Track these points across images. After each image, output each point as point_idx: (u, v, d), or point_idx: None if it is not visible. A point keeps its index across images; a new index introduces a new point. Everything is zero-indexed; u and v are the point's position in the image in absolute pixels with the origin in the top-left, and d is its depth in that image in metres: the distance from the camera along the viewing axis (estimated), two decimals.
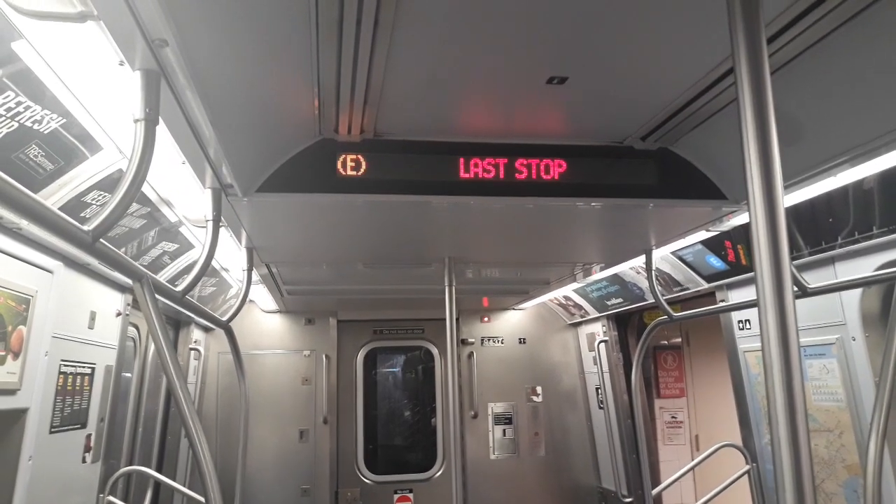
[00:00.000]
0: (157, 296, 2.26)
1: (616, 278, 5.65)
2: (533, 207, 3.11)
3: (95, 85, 2.22)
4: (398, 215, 3.31)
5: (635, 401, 4.98)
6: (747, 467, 4.78)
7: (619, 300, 6.12)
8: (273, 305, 6.94)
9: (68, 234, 1.71)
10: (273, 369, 7.21)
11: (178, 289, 2.75)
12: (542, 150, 2.97)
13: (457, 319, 4.26)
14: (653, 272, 4.20)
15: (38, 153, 2.36)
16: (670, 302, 4.55)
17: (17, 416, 3.00)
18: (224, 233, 3.43)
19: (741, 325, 4.62)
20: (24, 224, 2.64)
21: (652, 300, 5.11)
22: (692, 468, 5.36)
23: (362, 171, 2.87)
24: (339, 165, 2.86)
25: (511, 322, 7.78)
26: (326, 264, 4.73)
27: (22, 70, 2.03)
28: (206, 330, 6.82)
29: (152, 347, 5.09)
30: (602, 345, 6.94)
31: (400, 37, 2.01)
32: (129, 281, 2.24)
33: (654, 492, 4.92)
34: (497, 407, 7.55)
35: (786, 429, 1.33)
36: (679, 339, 7.59)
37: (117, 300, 3.95)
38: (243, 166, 2.71)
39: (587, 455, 7.60)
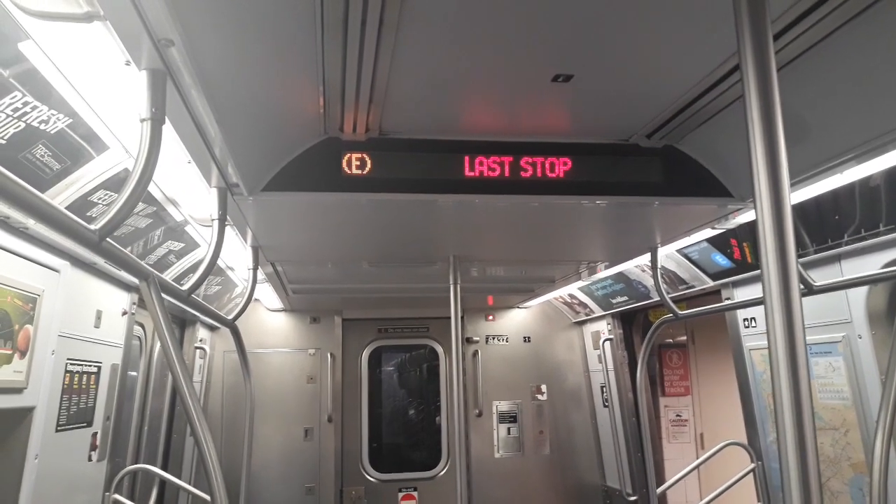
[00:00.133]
0: (163, 295, 2.26)
1: (621, 276, 5.64)
2: (538, 205, 3.11)
3: (102, 85, 2.22)
4: (403, 214, 3.32)
5: (640, 399, 4.97)
6: (752, 465, 4.77)
7: (625, 298, 6.11)
8: (278, 304, 6.95)
9: (75, 233, 1.72)
10: (278, 368, 7.22)
11: (184, 288, 2.76)
12: (548, 148, 2.96)
13: (461, 318, 4.25)
14: (658, 270, 4.20)
15: (45, 153, 2.37)
16: (675, 300, 4.55)
17: (23, 415, 3.01)
18: (230, 232, 3.43)
19: (746, 323, 4.61)
20: (31, 223, 2.65)
21: (657, 298, 5.09)
22: (697, 466, 5.35)
23: (367, 169, 2.87)
24: (344, 164, 2.87)
25: (516, 320, 7.78)
26: (331, 263, 4.74)
27: (28, 70, 2.03)
28: (212, 329, 6.83)
29: (158, 346, 5.10)
30: (607, 343, 6.94)
31: (405, 36, 2.01)
32: (136, 280, 2.25)
33: (659, 490, 4.92)
34: (502, 405, 7.55)
35: (792, 427, 1.33)
36: (684, 338, 7.57)
37: (123, 299, 3.96)
38: (249, 165, 2.71)
39: (592, 453, 7.59)
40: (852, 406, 3.67)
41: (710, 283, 4.74)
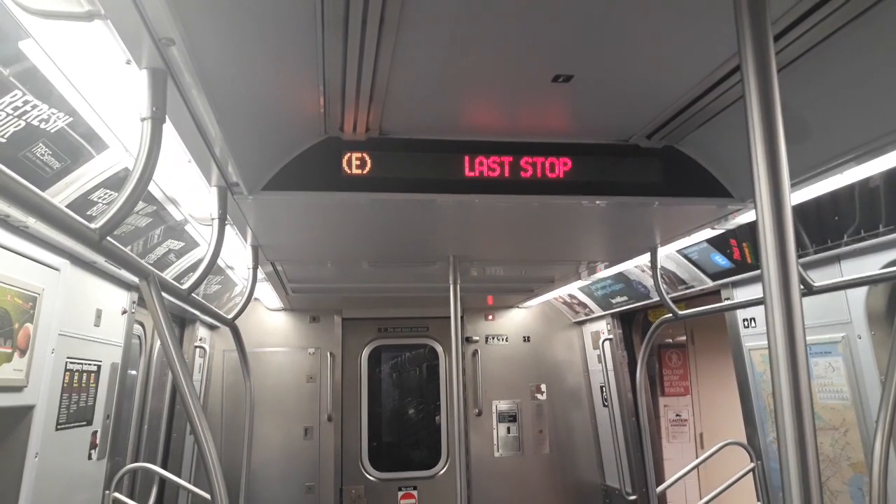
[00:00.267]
0: (163, 293, 2.26)
1: (621, 276, 5.64)
2: (538, 205, 3.11)
3: (102, 84, 2.22)
4: (403, 213, 3.32)
5: (640, 399, 4.98)
6: (752, 465, 4.78)
7: (624, 298, 6.11)
8: (278, 303, 6.95)
9: (76, 231, 1.72)
10: (278, 367, 7.22)
11: (184, 287, 2.76)
12: (548, 148, 2.97)
13: (461, 317, 4.25)
14: (658, 270, 4.20)
15: (45, 152, 2.37)
16: (675, 300, 4.55)
17: (23, 413, 3.01)
18: (229, 231, 3.44)
19: (746, 323, 4.61)
20: (31, 222, 2.65)
21: (657, 298, 5.10)
22: (696, 466, 5.36)
23: (367, 169, 2.87)
24: (344, 164, 2.87)
25: (515, 320, 7.78)
26: (331, 262, 4.74)
27: (29, 69, 2.03)
28: (212, 328, 6.84)
29: (158, 345, 5.10)
30: (607, 343, 6.94)
31: (405, 35, 2.01)
32: (136, 279, 2.25)
33: (659, 489, 4.92)
34: (501, 405, 7.55)
35: (792, 426, 1.33)
36: (684, 338, 7.58)
37: (123, 298, 3.96)
38: (249, 165, 2.71)
39: (591, 453, 7.60)
40: (852, 406, 3.68)
41: (710, 284, 4.75)
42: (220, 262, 4.59)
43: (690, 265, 4.70)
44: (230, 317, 3.90)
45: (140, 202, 2.94)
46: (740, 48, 1.47)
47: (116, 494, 4.03)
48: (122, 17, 1.62)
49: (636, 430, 6.63)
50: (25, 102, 2.13)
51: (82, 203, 2.75)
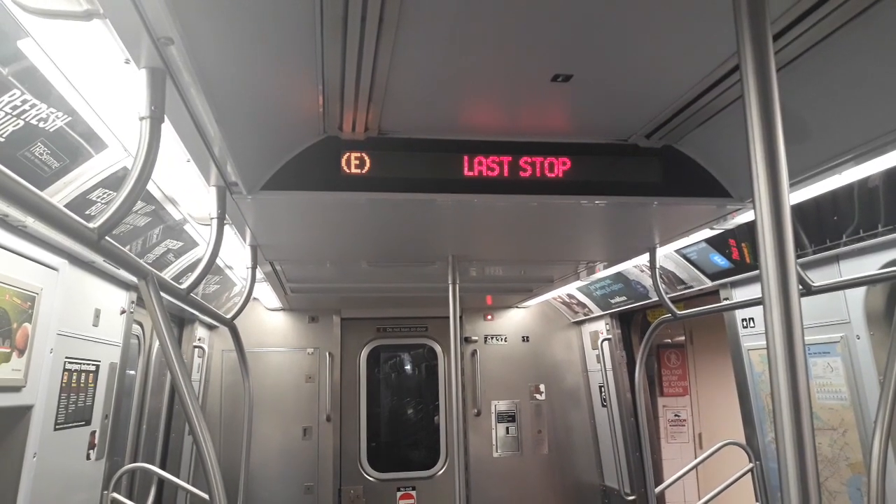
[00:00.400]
0: (161, 293, 2.26)
1: (620, 276, 5.64)
2: (537, 205, 3.11)
3: (101, 83, 2.22)
4: (402, 213, 3.31)
5: (638, 399, 4.97)
6: (750, 465, 4.78)
7: (623, 298, 6.11)
8: (277, 303, 6.95)
9: (74, 231, 1.72)
10: (277, 367, 7.22)
11: (183, 286, 2.76)
12: (547, 147, 2.96)
13: (460, 317, 4.26)
14: (657, 270, 4.20)
15: (44, 151, 2.37)
16: (674, 300, 4.55)
17: (21, 413, 3.01)
18: (228, 231, 3.43)
19: (745, 323, 4.61)
20: (30, 221, 2.65)
21: (656, 298, 5.10)
22: (695, 466, 5.36)
23: (366, 168, 2.87)
24: (343, 163, 2.86)
25: (514, 320, 7.78)
26: (330, 262, 4.74)
27: (27, 68, 2.03)
28: (211, 328, 6.83)
29: (156, 345, 5.10)
30: (605, 343, 6.94)
31: (404, 34, 2.01)
32: (134, 278, 2.25)
33: (657, 490, 4.92)
34: (500, 405, 7.55)
35: (790, 427, 1.33)
36: (683, 338, 7.58)
37: (122, 298, 3.96)
38: (248, 164, 2.71)
39: (590, 453, 7.60)
40: (850, 406, 3.68)
41: (709, 284, 4.75)
42: (218, 261, 4.59)
43: (689, 265, 4.71)
44: (229, 317, 3.89)
45: (139, 202, 2.94)
46: (739, 48, 1.47)
47: (115, 495, 4.03)
48: (121, 17, 1.62)
49: (635, 431, 6.63)
50: (24, 102, 2.12)
51: (81, 202, 2.75)
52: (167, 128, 2.07)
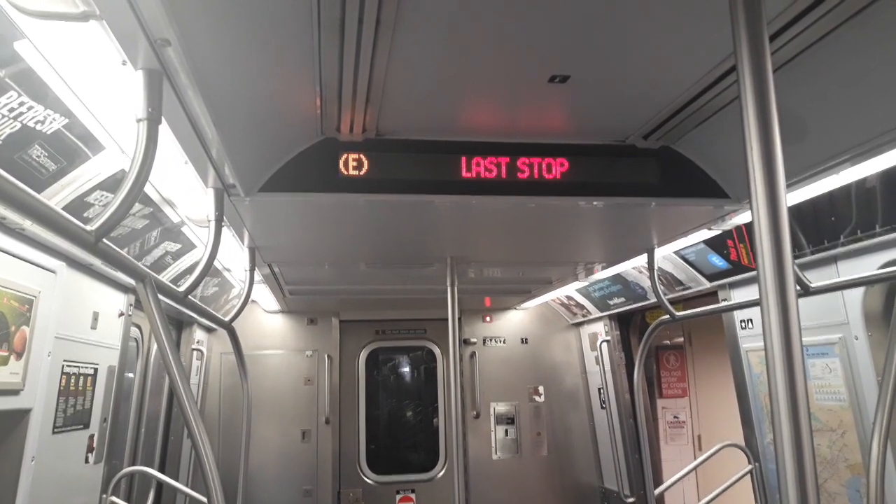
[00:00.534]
0: (159, 296, 2.26)
1: (618, 278, 5.64)
2: (535, 207, 3.11)
3: (98, 85, 2.22)
4: (400, 215, 3.31)
5: (637, 400, 4.97)
6: (750, 467, 4.77)
7: (622, 300, 6.11)
8: (275, 305, 6.94)
9: (71, 234, 1.72)
10: (275, 369, 7.21)
11: (181, 289, 2.75)
12: (544, 149, 2.97)
13: (459, 319, 4.26)
14: (655, 271, 4.20)
15: (41, 153, 2.37)
16: (672, 301, 4.55)
17: (20, 417, 3.00)
18: (226, 233, 3.43)
19: (743, 324, 4.61)
20: (28, 224, 2.64)
21: (654, 300, 5.10)
22: (694, 468, 5.35)
23: (364, 170, 2.87)
24: (341, 165, 2.86)
25: (513, 322, 7.78)
26: (328, 264, 4.74)
27: (24, 70, 2.03)
28: (209, 330, 6.82)
29: (155, 348, 5.09)
30: (604, 344, 6.94)
31: (402, 36, 2.01)
32: (132, 281, 2.24)
33: (657, 492, 4.91)
34: (499, 407, 7.54)
35: (788, 428, 1.33)
36: (681, 339, 7.58)
37: (120, 300, 3.95)
38: (246, 166, 2.71)
39: (589, 455, 7.59)
40: (849, 407, 3.67)
41: (707, 285, 4.75)
42: (217, 264, 4.58)
43: (687, 266, 4.71)
44: (227, 319, 3.89)
45: (136, 204, 2.93)
46: (736, 48, 1.47)
47: (113, 498, 4.02)
48: (118, 18, 1.62)
49: (634, 432, 6.63)
50: (21, 104, 2.12)
51: (79, 205, 2.74)
52: (164, 130, 2.07)
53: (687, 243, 4.25)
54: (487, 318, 7.74)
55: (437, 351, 7.68)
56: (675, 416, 7.38)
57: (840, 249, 3.43)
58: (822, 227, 3.46)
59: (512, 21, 1.95)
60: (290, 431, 7.09)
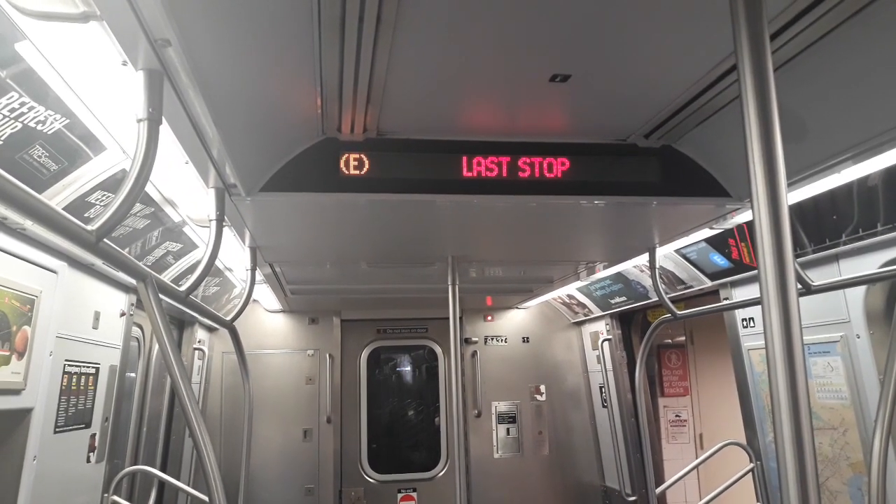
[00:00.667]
0: (161, 296, 2.26)
1: (620, 277, 5.64)
2: (536, 206, 3.10)
3: (98, 85, 2.22)
4: (401, 214, 3.31)
5: (639, 399, 4.97)
6: (751, 465, 4.77)
7: (623, 298, 6.11)
8: (277, 305, 6.95)
9: (72, 234, 1.72)
10: (277, 369, 7.22)
11: (182, 288, 2.76)
12: (546, 148, 2.96)
13: (460, 318, 4.26)
14: (656, 270, 4.19)
15: (42, 154, 2.37)
16: (674, 300, 4.55)
17: (21, 416, 3.00)
18: (227, 232, 3.43)
19: (745, 323, 4.61)
20: (29, 224, 2.65)
21: (656, 298, 5.10)
22: (696, 466, 5.35)
23: (365, 170, 2.87)
24: (342, 164, 2.86)
25: (514, 321, 7.78)
26: (330, 264, 4.74)
27: (25, 71, 2.03)
28: (210, 330, 6.83)
29: (156, 347, 5.10)
30: (606, 343, 6.94)
31: (402, 35, 2.01)
32: (133, 281, 2.24)
33: (658, 490, 4.91)
34: (501, 406, 7.55)
35: (789, 427, 1.33)
36: (683, 338, 7.57)
37: (121, 300, 3.96)
38: (246, 166, 2.71)
39: (591, 454, 7.60)
40: (850, 406, 3.67)
41: (709, 284, 4.74)
42: (218, 263, 4.59)
43: (689, 265, 4.70)
44: (229, 319, 3.89)
45: (137, 204, 2.94)
46: (737, 47, 1.47)
47: (115, 497, 4.02)
48: (118, 19, 1.62)
49: (635, 431, 6.63)
50: (22, 104, 2.12)
51: (80, 205, 2.75)
52: (165, 130, 2.07)
53: (688, 242, 4.24)
54: (489, 317, 7.74)
55: (438, 350, 7.68)
56: (677, 415, 7.38)
57: (842, 248, 3.42)
58: (823, 226, 3.46)
59: (513, 20, 1.95)
60: (291, 430, 7.10)
